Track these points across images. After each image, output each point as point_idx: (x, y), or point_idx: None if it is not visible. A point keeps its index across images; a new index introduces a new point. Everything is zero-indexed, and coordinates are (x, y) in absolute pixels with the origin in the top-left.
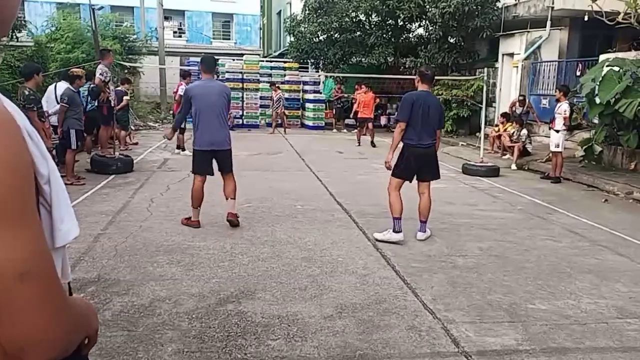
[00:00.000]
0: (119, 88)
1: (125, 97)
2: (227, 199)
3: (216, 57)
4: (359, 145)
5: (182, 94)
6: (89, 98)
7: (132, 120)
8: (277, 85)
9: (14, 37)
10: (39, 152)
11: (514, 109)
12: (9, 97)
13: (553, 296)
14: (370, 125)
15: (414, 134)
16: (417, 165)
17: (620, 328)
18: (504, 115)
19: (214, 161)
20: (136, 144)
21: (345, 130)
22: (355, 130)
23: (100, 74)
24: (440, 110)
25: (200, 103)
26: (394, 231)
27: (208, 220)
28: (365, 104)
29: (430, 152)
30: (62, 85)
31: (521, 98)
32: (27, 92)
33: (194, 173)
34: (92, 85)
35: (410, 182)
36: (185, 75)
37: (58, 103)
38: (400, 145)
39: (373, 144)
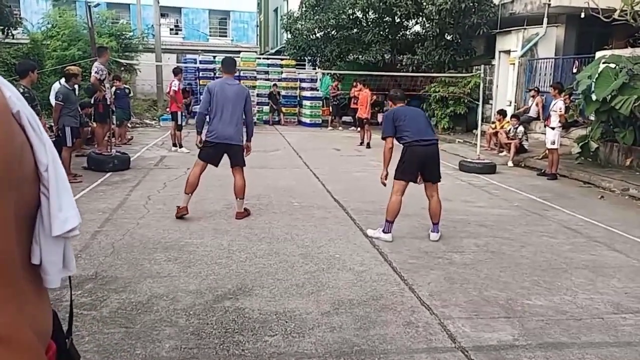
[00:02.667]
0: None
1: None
2: (236, 198)
3: (213, 55)
4: (361, 144)
5: (175, 89)
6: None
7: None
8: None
9: (10, 34)
10: (39, 139)
11: (526, 108)
12: None
13: (549, 292)
14: (366, 126)
15: (410, 134)
16: (419, 163)
17: (615, 323)
18: (500, 112)
19: (226, 156)
20: (131, 138)
21: (341, 128)
22: (352, 128)
23: (96, 72)
24: (425, 115)
25: (218, 99)
26: (384, 231)
27: (205, 217)
28: (360, 102)
29: (433, 150)
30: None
31: (533, 93)
32: (21, 90)
33: (199, 157)
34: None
35: (415, 182)
36: (177, 72)
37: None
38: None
39: (368, 145)
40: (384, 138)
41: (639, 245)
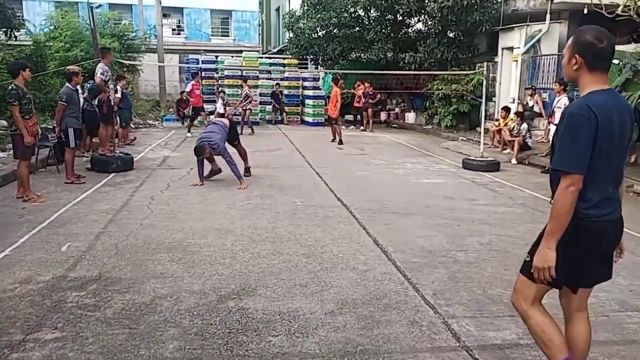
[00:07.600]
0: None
1: (116, 96)
2: None
3: (215, 54)
4: (333, 141)
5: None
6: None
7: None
8: (245, 80)
9: (13, 36)
10: None
11: (525, 103)
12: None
13: (553, 290)
14: (336, 125)
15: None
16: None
17: (621, 321)
18: (505, 108)
19: None
20: (134, 139)
21: (344, 127)
22: (352, 127)
23: (101, 74)
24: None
25: None
26: None
27: (208, 217)
28: (331, 102)
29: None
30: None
31: (531, 92)
32: (10, 87)
33: None
34: (92, 84)
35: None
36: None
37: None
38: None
39: (340, 142)
40: (568, 173)
41: None
